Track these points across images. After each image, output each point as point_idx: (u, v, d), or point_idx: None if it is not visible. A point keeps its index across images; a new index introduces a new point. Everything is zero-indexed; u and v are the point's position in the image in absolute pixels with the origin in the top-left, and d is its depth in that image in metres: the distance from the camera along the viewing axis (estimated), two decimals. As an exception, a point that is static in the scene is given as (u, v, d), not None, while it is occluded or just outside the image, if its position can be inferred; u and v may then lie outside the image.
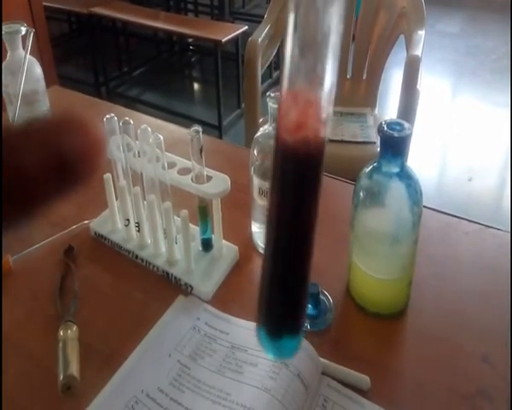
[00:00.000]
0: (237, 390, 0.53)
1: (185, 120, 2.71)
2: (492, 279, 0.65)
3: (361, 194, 0.56)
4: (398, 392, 0.54)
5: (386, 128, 0.51)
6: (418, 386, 0.54)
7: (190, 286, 0.64)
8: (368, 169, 0.56)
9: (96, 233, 0.73)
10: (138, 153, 0.63)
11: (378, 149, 0.55)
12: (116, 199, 0.70)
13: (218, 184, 0.62)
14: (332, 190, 0.83)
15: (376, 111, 1.82)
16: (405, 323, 0.61)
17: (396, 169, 0.53)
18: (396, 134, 0.51)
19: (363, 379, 0.54)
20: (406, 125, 0.52)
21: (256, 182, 0.65)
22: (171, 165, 0.65)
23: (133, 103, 2.95)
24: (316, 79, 0.23)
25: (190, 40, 3.52)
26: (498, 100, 2.88)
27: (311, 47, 0.22)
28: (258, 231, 0.70)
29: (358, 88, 1.85)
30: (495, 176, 2.41)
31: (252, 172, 0.66)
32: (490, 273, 0.66)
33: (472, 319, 0.61)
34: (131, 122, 0.62)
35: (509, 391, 0.45)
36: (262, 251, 0.70)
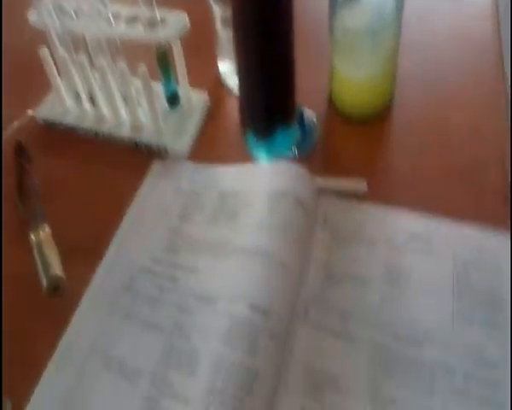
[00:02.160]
0: (236, 234, 0.50)
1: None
2: (471, 47, 0.66)
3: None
4: (395, 187, 0.53)
5: None
6: (414, 175, 0.54)
7: (164, 148, 0.59)
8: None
9: (44, 121, 0.65)
10: (75, 13, 0.55)
11: None
12: (59, 75, 0.62)
13: (173, 24, 0.55)
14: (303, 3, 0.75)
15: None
16: (393, 119, 0.60)
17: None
18: None
19: (359, 182, 0.53)
20: None
21: (217, 11, 0.59)
22: (116, 16, 0.56)
23: None
24: None
25: None
26: None
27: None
28: (226, 70, 0.65)
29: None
30: None
31: (211, 1, 0.59)
32: (468, 44, 0.67)
33: (458, 91, 0.61)
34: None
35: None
36: (233, 91, 0.64)
